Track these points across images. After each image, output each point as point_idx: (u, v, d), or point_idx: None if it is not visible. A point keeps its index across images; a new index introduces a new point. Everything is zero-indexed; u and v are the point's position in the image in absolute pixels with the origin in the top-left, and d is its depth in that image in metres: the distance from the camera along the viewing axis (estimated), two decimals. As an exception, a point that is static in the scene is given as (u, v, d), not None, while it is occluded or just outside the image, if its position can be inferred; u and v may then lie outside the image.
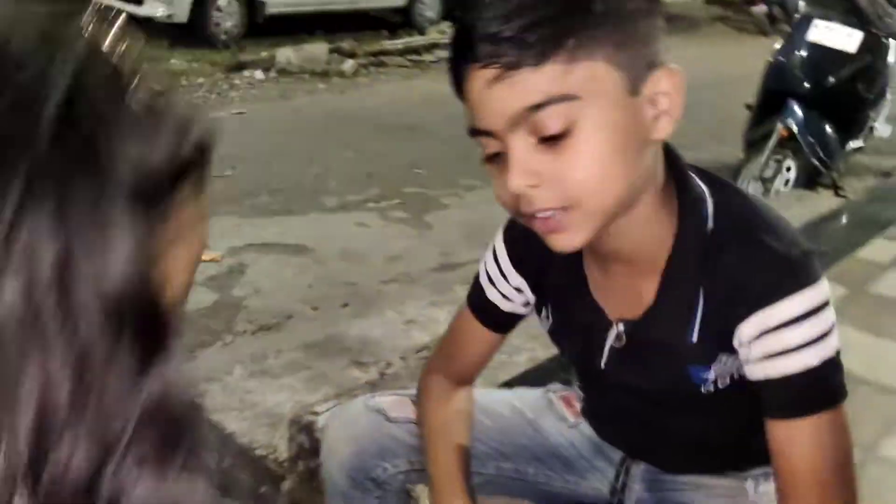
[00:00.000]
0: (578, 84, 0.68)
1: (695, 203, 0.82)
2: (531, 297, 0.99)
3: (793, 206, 3.18)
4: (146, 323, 0.45)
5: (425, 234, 3.90)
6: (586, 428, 1.11)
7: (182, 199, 0.49)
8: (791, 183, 4.03)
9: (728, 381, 0.85)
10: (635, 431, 1.04)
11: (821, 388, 0.78)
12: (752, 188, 4.08)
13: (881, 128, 4.61)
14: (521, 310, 1.02)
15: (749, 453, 0.91)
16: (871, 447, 1.46)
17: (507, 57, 0.68)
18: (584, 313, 0.91)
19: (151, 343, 0.45)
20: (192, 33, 8.10)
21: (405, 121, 6.26)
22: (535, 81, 0.68)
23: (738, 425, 0.87)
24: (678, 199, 0.82)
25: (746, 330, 0.79)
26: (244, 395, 1.96)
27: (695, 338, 0.83)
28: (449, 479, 1.00)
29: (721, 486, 1.00)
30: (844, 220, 2.91)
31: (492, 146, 0.74)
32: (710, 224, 0.81)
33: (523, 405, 1.14)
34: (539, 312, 1.00)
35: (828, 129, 4.05)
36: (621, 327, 0.88)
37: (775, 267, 0.77)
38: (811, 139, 3.93)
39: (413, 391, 1.13)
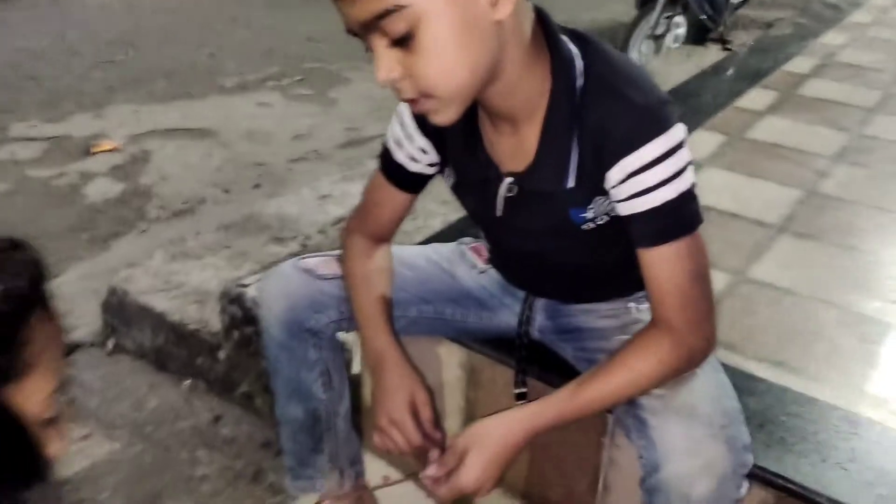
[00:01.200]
0: None
1: (565, 64, 0.91)
2: (436, 157, 1.08)
3: (682, 61, 3.32)
4: (9, 441, 0.59)
5: (330, 111, 3.89)
6: (494, 272, 1.24)
7: (29, 331, 0.62)
8: (681, 39, 4.17)
9: (606, 218, 0.98)
10: (533, 272, 1.17)
11: (679, 218, 0.90)
12: (644, 46, 4.21)
13: (764, -20, 4.77)
14: (427, 170, 1.11)
15: (630, 280, 1.05)
16: (742, 271, 1.66)
17: None
18: (480, 168, 1.01)
19: (19, 462, 0.60)
20: None
21: (298, -7, 6.08)
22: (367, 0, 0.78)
23: (618, 256, 1.00)
24: (551, 60, 0.91)
25: (613, 175, 0.90)
26: (169, 277, 2.02)
27: (571, 183, 0.95)
28: (374, 321, 1.13)
29: (608, 308, 1.15)
30: (726, 72, 3.07)
31: (365, 42, 0.84)
32: (580, 82, 0.91)
33: (439, 257, 1.27)
34: (443, 172, 1.10)
35: (714, -16, 4.17)
36: (510, 180, 0.99)
37: (635, 117, 0.87)
38: (698, -5, 4.05)
39: (337, 252, 1.23)
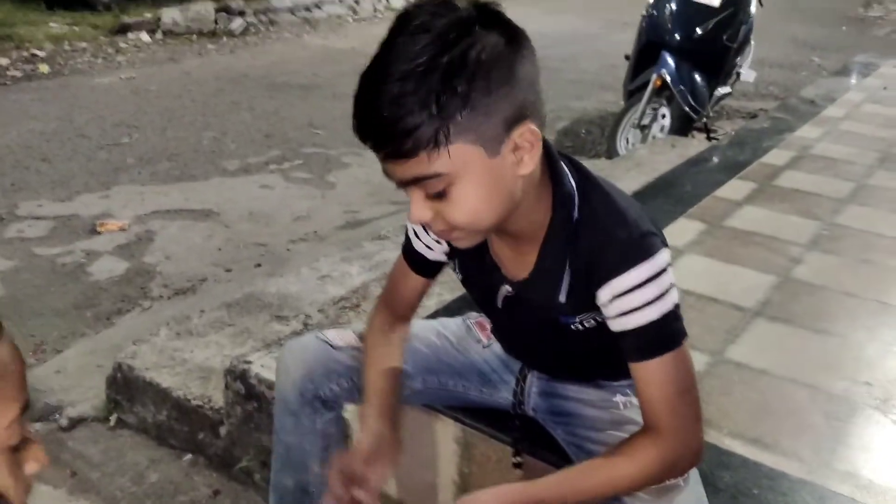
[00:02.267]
0: (445, 164, 0.89)
1: (565, 198, 1.03)
2: (448, 247, 1.20)
3: (667, 151, 3.48)
4: None
5: (329, 194, 4.03)
6: (497, 348, 1.35)
7: None
8: (666, 129, 4.35)
9: (592, 322, 1.09)
10: (529, 347, 1.28)
11: (663, 336, 1.00)
12: (631, 135, 4.40)
13: (746, 73, 5.00)
14: (443, 258, 1.23)
15: (616, 367, 1.15)
16: (720, 352, 1.76)
17: (387, 149, 0.89)
18: (485, 270, 1.14)
19: None
20: (69, -5, 7.82)
21: (299, 79, 6.30)
22: (411, 167, 0.89)
23: (604, 348, 1.10)
24: (553, 192, 1.04)
25: (602, 295, 1.02)
26: (173, 353, 2.10)
27: (562, 299, 1.07)
28: (375, 398, 1.21)
29: (597, 397, 1.24)
30: (708, 163, 3.23)
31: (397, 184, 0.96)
32: (576, 214, 1.04)
33: (447, 332, 1.39)
34: (451, 262, 1.22)
35: (697, 77, 4.37)
36: (509, 288, 1.12)
37: (621, 248, 0.99)
38: (683, 88, 4.24)
39: (354, 326, 1.36)
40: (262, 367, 1.78)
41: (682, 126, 4.37)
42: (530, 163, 0.94)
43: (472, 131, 0.88)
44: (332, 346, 1.30)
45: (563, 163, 1.05)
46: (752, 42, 4.99)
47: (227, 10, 7.85)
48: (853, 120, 3.95)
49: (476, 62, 0.86)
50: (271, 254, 3.30)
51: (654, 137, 4.29)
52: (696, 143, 3.79)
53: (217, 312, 2.28)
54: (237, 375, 1.79)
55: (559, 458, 1.27)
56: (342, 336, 1.33)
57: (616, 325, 1.02)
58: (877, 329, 1.91)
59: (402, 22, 0.89)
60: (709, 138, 4.50)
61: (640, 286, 0.98)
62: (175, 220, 3.60)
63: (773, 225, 2.49)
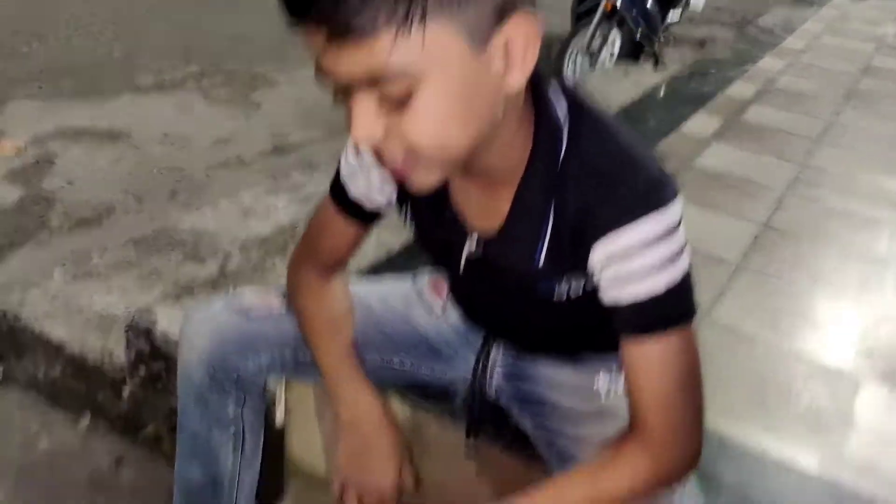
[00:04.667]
0: (414, 54, 0.64)
1: (551, 129, 0.79)
2: (396, 191, 0.95)
3: (620, 79, 3.27)
4: None
5: (254, 115, 3.69)
6: (454, 318, 1.11)
7: None
8: (615, 55, 4.14)
9: (581, 292, 0.86)
10: (495, 316, 1.04)
11: (668, 310, 0.78)
12: (579, 60, 4.17)
13: (695, 1, 4.81)
14: (386, 208, 0.98)
15: (602, 339, 0.93)
16: (706, 314, 1.57)
17: (331, 24, 0.62)
18: (444, 225, 0.89)
19: None
20: None
21: (222, -13, 5.83)
22: (363, 56, 0.64)
23: (591, 319, 0.87)
24: (536, 119, 0.79)
25: (595, 257, 0.79)
26: (70, 300, 1.81)
27: (542, 260, 0.83)
28: (350, 373, 1.01)
29: (574, 383, 1.02)
30: (669, 96, 3.03)
31: (336, 89, 0.69)
32: (563, 152, 0.79)
33: (394, 297, 1.13)
34: (399, 211, 0.96)
35: (649, 2, 4.16)
36: (474, 247, 0.88)
37: (622, 194, 0.76)
38: (634, 12, 4.02)
39: (274, 286, 1.09)
40: (170, 322, 1.52)
41: (632, 52, 4.17)
42: (522, 72, 0.70)
43: (453, 13, 0.63)
44: (249, 312, 1.04)
45: (551, 83, 0.80)
46: (703, -34, 4.79)
47: None
48: (815, 52, 3.81)
49: None
50: (188, 180, 2.97)
51: (602, 64, 4.08)
52: (649, 71, 3.58)
53: (122, 251, 1.99)
54: (140, 332, 1.53)
55: (524, 452, 1.07)
56: (261, 299, 1.06)
57: (608, 297, 0.79)
58: (869, 288, 1.75)
59: None
60: (656, 65, 4.31)
61: (645, 246, 0.75)
62: (80, 140, 3.22)
63: (747, 166, 2.32)
